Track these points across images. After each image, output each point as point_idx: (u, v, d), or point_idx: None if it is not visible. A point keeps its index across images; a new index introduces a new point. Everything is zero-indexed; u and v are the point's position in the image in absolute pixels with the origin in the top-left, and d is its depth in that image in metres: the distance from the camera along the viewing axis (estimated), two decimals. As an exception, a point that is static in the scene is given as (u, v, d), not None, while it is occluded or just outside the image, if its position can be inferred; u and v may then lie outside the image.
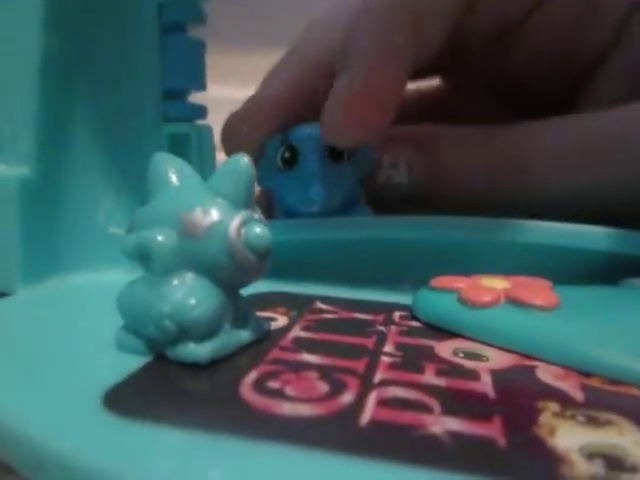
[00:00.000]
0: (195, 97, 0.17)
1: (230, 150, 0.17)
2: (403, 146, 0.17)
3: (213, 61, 0.17)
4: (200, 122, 0.16)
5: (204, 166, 0.16)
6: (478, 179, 0.17)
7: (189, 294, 0.09)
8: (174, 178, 0.10)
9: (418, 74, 0.22)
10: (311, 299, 0.14)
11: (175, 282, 0.09)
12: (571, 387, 0.09)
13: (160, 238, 0.09)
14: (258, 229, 0.09)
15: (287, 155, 0.16)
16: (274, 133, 0.16)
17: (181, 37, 0.16)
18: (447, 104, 0.22)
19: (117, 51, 0.15)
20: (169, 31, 0.15)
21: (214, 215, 0.09)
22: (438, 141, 0.17)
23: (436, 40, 0.16)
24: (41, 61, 0.14)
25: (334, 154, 0.16)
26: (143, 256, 0.09)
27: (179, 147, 0.16)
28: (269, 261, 0.10)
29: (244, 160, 0.09)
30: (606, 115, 0.16)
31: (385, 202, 0.17)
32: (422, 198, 0.17)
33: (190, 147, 0.16)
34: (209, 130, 0.16)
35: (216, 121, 0.17)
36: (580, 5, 0.18)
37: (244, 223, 0.09)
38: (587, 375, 0.10)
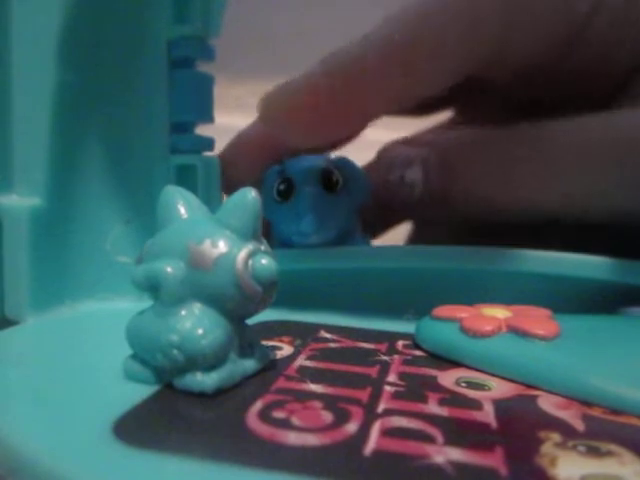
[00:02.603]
0: (201, 127, 0.17)
1: (228, 180, 0.17)
2: (418, 147, 0.17)
3: (218, 90, 0.17)
4: (207, 154, 0.17)
5: (210, 196, 0.16)
6: (493, 178, 0.17)
7: (197, 324, 0.09)
8: (183, 210, 0.10)
9: (431, 107, 0.22)
10: (315, 328, 0.14)
11: (183, 312, 0.09)
12: (572, 417, 0.09)
13: (169, 269, 0.09)
14: (265, 261, 0.10)
15: (283, 187, 0.16)
16: (270, 165, 0.17)
17: (189, 72, 0.16)
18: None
19: (127, 85, 0.16)
20: (178, 66, 0.16)
21: (222, 247, 0.10)
22: (454, 141, 0.17)
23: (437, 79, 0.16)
24: (53, 95, 0.15)
25: (328, 185, 0.16)
26: (152, 286, 0.10)
27: (186, 178, 0.16)
28: (275, 292, 0.10)
29: (251, 194, 0.10)
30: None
31: (397, 204, 0.18)
32: (436, 198, 0.17)
33: (197, 178, 0.16)
34: (216, 162, 0.17)
35: (221, 149, 0.18)
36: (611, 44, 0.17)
37: (251, 255, 0.09)
38: (588, 405, 0.10)
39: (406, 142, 0.18)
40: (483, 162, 0.17)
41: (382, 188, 0.17)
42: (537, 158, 0.16)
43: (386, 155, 0.17)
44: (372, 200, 0.17)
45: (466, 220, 0.19)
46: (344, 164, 0.16)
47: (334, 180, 0.16)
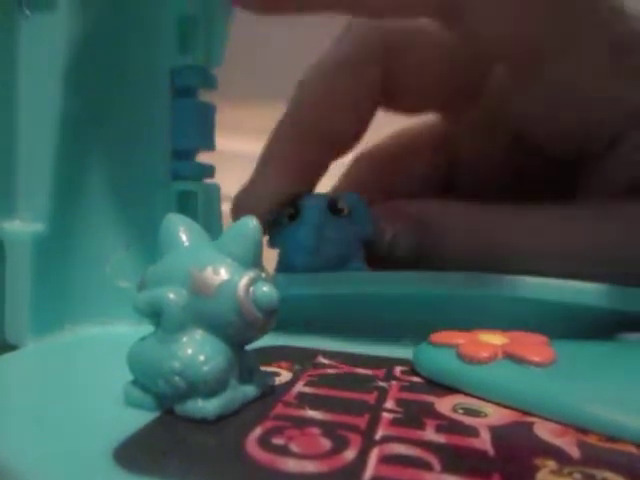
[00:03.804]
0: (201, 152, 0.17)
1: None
2: (403, 225, 0.18)
3: (218, 114, 0.17)
4: (208, 180, 0.17)
5: (211, 223, 0.16)
6: (473, 259, 0.18)
7: (198, 351, 0.09)
8: (185, 238, 0.11)
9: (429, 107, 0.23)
10: (313, 353, 0.14)
11: (185, 339, 0.10)
12: (568, 444, 0.09)
13: (172, 296, 0.10)
14: (265, 288, 0.10)
15: (291, 211, 0.18)
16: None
17: (192, 101, 0.16)
18: (460, 147, 0.23)
19: (130, 113, 0.16)
20: (181, 95, 0.16)
21: (224, 274, 0.10)
22: (435, 222, 0.19)
23: None
24: (57, 123, 0.15)
25: (334, 209, 0.17)
26: (154, 313, 0.10)
27: (187, 204, 0.16)
28: (275, 318, 0.10)
29: (253, 223, 0.10)
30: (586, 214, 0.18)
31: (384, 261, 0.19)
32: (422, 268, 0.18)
33: (197, 204, 0.16)
34: (216, 188, 0.17)
35: (221, 173, 0.18)
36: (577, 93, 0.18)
37: (252, 282, 0.10)
38: (584, 432, 0.10)
39: (393, 214, 0.19)
40: (465, 250, 0.18)
41: (370, 252, 0.18)
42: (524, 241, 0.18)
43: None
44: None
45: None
46: (352, 198, 0.18)
47: (339, 207, 0.17)
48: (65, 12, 0.14)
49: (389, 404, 0.11)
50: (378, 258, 0.18)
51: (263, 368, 0.11)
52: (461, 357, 0.12)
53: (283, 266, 0.18)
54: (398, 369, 0.13)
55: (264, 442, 0.09)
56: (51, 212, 0.15)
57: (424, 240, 0.18)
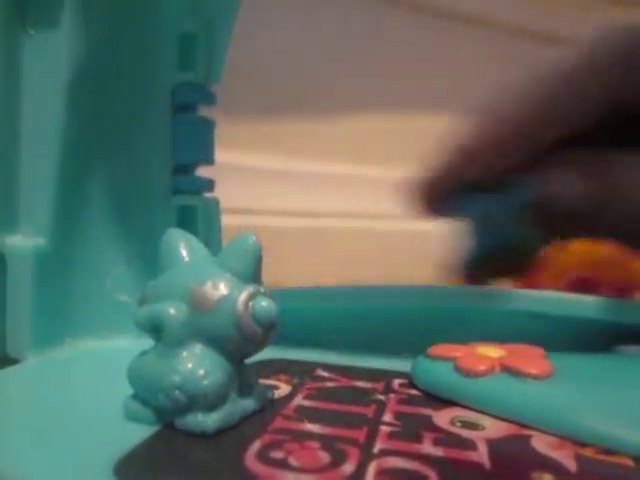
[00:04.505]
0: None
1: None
2: (578, 172, 0.19)
3: (217, 128, 0.18)
4: (207, 194, 0.17)
5: (210, 237, 0.16)
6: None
7: (198, 365, 0.10)
8: (185, 253, 0.11)
9: None
10: (312, 366, 0.14)
11: (184, 353, 0.10)
12: (565, 457, 0.09)
13: (172, 311, 0.10)
14: (264, 303, 0.10)
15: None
16: None
17: (192, 117, 0.17)
18: None
19: (131, 130, 0.16)
20: (181, 111, 0.17)
21: (223, 289, 0.10)
22: (605, 167, 0.20)
23: None
24: (58, 139, 0.15)
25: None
26: (155, 328, 0.10)
27: (187, 218, 0.16)
28: (274, 333, 0.10)
29: (252, 238, 0.10)
30: None
31: (552, 214, 0.20)
32: (586, 210, 0.20)
33: (197, 218, 0.16)
34: (216, 202, 0.17)
35: (220, 185, 0.18)
36: None
37: (251, 297, 0.10)
38: (581, 445, 0.10)
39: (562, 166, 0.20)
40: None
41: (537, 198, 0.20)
42: None
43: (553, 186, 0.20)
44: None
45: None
46: None
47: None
48: (68, 31, 0.15)
49: (387, 417, 0.11)
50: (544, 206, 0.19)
51: (262, 381, 0.12)
52: (459, 370, 0.12)
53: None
54: (396, 382, 0.13)
55: (263, 456, 0.09)
56: (52, 227, 0.15)
57: (598, 184, 0.19)
